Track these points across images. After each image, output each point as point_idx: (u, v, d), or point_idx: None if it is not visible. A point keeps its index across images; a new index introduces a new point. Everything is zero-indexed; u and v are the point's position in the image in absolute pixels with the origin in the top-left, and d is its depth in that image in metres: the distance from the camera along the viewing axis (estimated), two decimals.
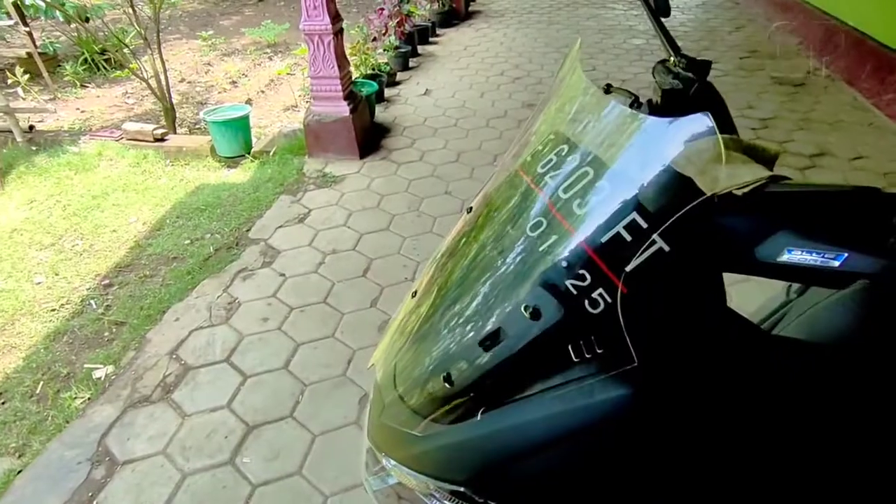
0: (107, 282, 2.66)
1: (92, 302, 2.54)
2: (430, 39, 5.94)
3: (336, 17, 3.20)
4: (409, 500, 0.80)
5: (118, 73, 6.15)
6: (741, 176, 0.59)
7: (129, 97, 5.67)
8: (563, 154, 0.75)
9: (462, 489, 0.69)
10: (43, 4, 5.06)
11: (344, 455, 1.72)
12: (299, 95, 5.09)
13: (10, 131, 3.89)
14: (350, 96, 3.42)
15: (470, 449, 0.69)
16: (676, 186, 0.60)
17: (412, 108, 4.22)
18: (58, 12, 5.40)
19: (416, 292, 0.88)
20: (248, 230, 2.87)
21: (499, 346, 0.68)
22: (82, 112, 5.19)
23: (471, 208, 0.92)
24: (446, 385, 0.70)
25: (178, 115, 4.56)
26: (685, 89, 0.85)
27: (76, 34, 6.19)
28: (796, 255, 0.59)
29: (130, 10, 4.31)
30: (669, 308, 0.64)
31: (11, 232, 3.05)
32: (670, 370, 0.63)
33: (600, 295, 0.61)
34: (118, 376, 2.06)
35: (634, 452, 0.67)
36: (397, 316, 0.93)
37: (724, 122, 0.81)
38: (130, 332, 2.30)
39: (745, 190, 0.62)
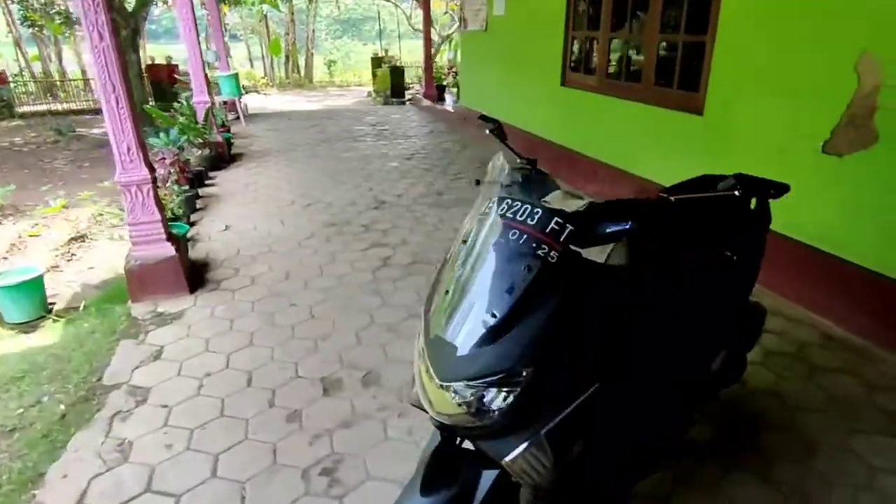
0: None
1: None
2: (206, 182, 6.35)
3: (151, 168, 3.54)
4: None
5: None
6: (575, 204, 1.41)
7: None
8: None
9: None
10: None
11: None
12: (58, 255, 4.90)
13: None
14: (171, 237, 3.68)
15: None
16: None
17: (220, 244, 4.56)
18: None
19: (447, 291, 1.44)
20: (98, 380, 2.85)
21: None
22: None
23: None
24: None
25: None
26: (531, 172, 1.68)
27: None
28: (609, 229, 1.39)
29: None
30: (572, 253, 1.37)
31: None
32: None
33: (546, 253, 1.32)
34: None
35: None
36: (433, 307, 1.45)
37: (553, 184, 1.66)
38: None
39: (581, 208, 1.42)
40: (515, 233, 1.35)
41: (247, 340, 3.16)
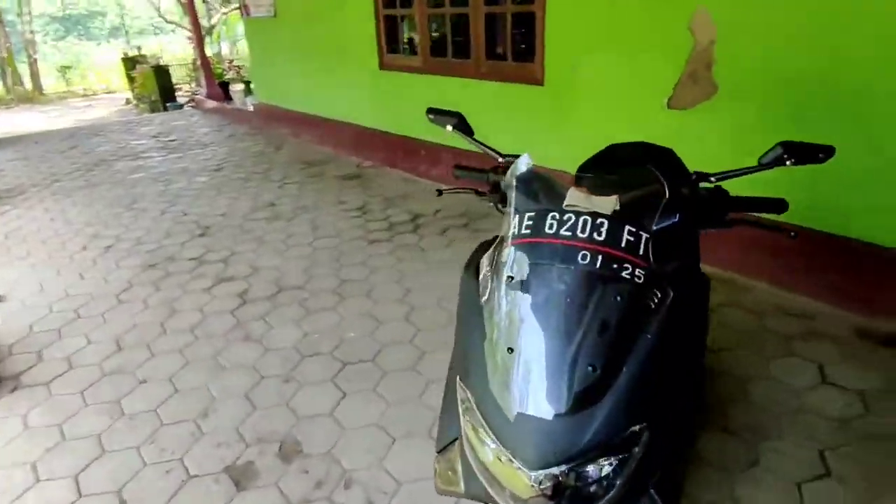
0: None
1: None
2: None
3: None
4: None
5: None
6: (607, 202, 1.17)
7: None
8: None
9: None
10: None
11: None
12: None
13: None
14: None
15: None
16: None
17: None
18: None
19: (510, 348, 1.08)
20: None
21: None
22: None
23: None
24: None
25: None
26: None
27: None
28: (657, 225, 1.17)
29: None
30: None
31: None
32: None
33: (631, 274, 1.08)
34: None
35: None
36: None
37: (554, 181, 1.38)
38: None
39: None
40: (586, 255, 1.07)
41: (95, 448, 2.36)
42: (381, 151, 5.80)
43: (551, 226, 1.12)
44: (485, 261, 1.25)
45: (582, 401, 1.00)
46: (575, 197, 1.20)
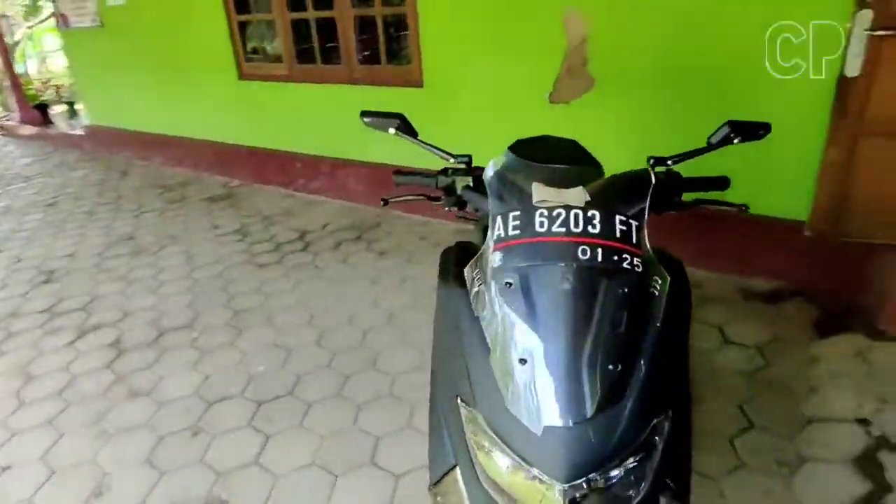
0: None
1: None
2: None
3: None
4: None
5: None
6: (576, 194, 1.14)
7: None
8: None
9: None
10: None
11: None
12: None
13: None
14: None
15: None
16: None
17: None
18: None
19: (522, 359, 0.99)
20: None
21: None
22: None
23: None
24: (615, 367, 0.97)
25: None
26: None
27: None
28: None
29: None
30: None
31: None
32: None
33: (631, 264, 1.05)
34: None
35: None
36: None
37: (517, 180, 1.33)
38: None
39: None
40: (585, 249, 1.01)
41: None
42: (251, 168, 5.40)
43: (542, 223, 1.06)
44: (470, 269, 1.16)
45: (606, 402, 0.95)
46: (542, 192, 1.15)
